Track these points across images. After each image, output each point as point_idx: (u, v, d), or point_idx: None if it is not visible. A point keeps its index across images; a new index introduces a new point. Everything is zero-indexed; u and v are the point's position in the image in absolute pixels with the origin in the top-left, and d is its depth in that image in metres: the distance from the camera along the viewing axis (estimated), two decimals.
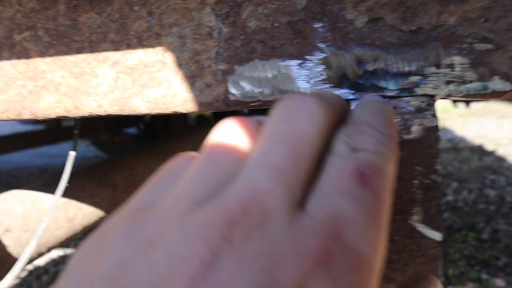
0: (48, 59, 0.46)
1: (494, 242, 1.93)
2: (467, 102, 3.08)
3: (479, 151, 3.92)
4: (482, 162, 3.47)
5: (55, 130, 3.25)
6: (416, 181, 0.38)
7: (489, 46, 0.39)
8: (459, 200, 2.55)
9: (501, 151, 3.84)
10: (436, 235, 0.38)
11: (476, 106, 6.61)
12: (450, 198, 2.58)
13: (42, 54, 0.46)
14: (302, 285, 0.17)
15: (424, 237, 0.38)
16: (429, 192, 0.38)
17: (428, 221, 0.38)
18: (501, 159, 3.55)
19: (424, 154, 0.38)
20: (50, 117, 0.48)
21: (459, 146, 4.20)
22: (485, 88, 0.40)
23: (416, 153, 0.38)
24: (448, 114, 6.06)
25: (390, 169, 0.24)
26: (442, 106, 6.28)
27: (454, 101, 2.97)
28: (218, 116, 3.92)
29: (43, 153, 5.31)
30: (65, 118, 0.50)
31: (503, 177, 3.00)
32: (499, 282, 1.58)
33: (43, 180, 1.02)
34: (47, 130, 3.22)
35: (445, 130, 5.13)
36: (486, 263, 1.77)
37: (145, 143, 3.24)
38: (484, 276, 1.66)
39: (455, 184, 2.90)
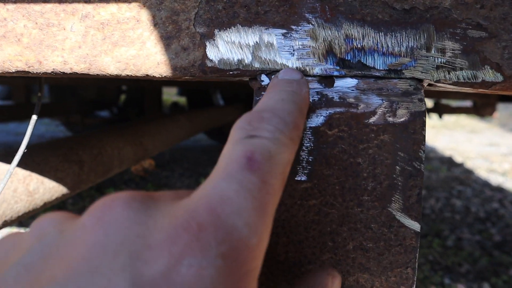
0: (10, 6, 0.42)
1: (457, 250, 1.97)
2: (440, 114, 3.13)
3: (449, 162, 4.01)
4: (451, 173, 3.54)
5: (25, 106, 3.12)
6: (398, 167, 0.36)
7: (483, 33, 0.38)
8: (427, 208, 2.59)
9: (469, 164, 3.93)
10: (415, 225, 0.36)
11: (448, 119, 6.77)
12: None
13: (3, 0, 0.42)
14: (175, 254, 0.18)
15: (402, 226, 0.36)
16: (410, 179, 0.36)
17: (407, 210, 0.36)
18: (468, 172, 3.64)
19: (409, 139, 0.36)
20: (9, 71, 0.44)
21: (430, 156, 4.28)
22: (475, 77, 0.38)
23: (400, 137, 0.36)
24: None
25: (285, 157, 0.25)
26: None
27: (428, 112, 3.01)
28: (193, 105, 3.87)
29: (10, 130, 5.12)
30: (27, 75, 0.45)
31: (469, 189, 3.07)
32: (461, 287, 1.61)
33: (2, 151, 0.96)
34: (16, 106, 3.09)
35: None
36: (449, 269, 1.79)
37: None
38: (447, 281, 1.69)
39: (423, 192, 2.94)
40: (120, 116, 4.09)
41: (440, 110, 2.95)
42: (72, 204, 2.55)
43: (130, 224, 0.19)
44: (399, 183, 0.36)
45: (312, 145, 0.36)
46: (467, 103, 3.33)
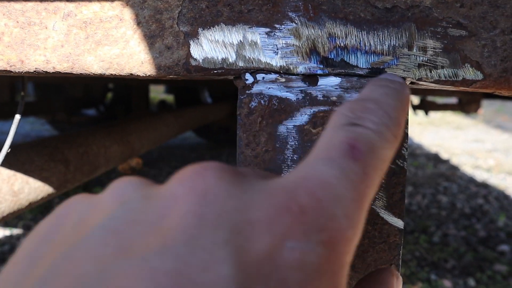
0: None
1: (443, 246, 2.00)
2: (426, 111, 3.17)
3: (435, 159, 4.05)
4: (437, 170, 3.58)
5: (8, 105, 3.07)
6: None
7: (462, 32, 0.38)
8: (413, 204, 2.62)
9: (454, 160, 3.99)
10: (399, 223, 0.36)
11: (434, 116, 6.85)
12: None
13: None
14: (277, 235, 0.17)
15: (386, 223, 0.36)
16: (394, 177, 0.37)
17: (391, 207, 0.36)
18: (454, 168, 3.69)
19: None
20: None
21: (416, 153, 4.33)
22: (456, 75, 0.39)
23: None
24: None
25: (387, 153, 0.22)
26: None
27: (414, 109, 3.05)
28: (180, 103, 3.85)
29: None
30: (8, 74, 0.45)
31: (455, 185, 3.11)
32: (447, 283, 1.63)
33: None
34: None
35: None
36: (435, 265, 1.82)
37: None
38: (433, 277, 1.71)
39: (410, 188, 2.97)
40: (107, 114, 4.05)
41: (426, 107, 2.98)
42: (58, 203, 2.53)
43: (227, 196, 0.18)
44: (383, 181, 0.37)
45: (296, 143, 0.37)
46: (453, 100, 3.38)
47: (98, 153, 1.19)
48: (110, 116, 3.99)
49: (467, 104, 2.82)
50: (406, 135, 0.37)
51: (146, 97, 3.29)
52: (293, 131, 0.37)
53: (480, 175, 3.45)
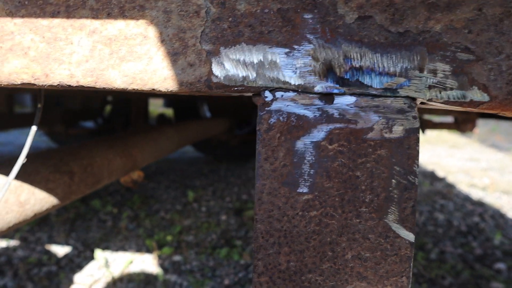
0: (18, 20, 0.43)
1: (441, 263, 2.00)
2: (423, 129, 3.20)
3: (431, 176, 4.08)
4: (433, 187, 3.60)
5: (7, 116, 3.07)
6: (394, 181, 0.38)
7: (470, 56, 0.40)
8: None
9: (451, 178, 4.01)
10: (410, 236, 0.38)
11: (430, 134, 6.90)
12: None
13: (11, 14, 0.43)
14: None
15: (398, 236, 0.38)
16: (405, 192, 0.38)
17: (402, 221, 0.38)
18: (450, 186, 3.71)
19: (404, 154, 0.38)
20: (15, 83, 0.45)
21: None
22: (464, 96, 0.41)
23: (395, 152, 0.38)
24: None
25: None
26: None
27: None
28: (179, 117, 3.87)
29: None
30: (31, 87, 0.46)
31: (451, 203, 3.13)
32: None
33: None
34: None
35: None
36: (432, 282, 1.82)
37: None
38: None
39: None
40: (106, 127, 4.05)
41: (423, 125, 3.01)
42: (56, 215, 2.52)
43: None
44: (395, 196, 0.38)
45: (313, 158, 0.38)
46: (449, 119, 3.41)
47: (102, 165, 1.20)
48: (108, 128, 3.99)
49: (463, 123, 2.85)
50: (417, 152, 0.39)
51: (145, 110, 3.30)
52: (310, 146, 0.38)
53: (475, 194, 3.47)
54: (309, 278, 0.38)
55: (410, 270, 0.37)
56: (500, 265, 2.03)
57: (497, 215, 2.86)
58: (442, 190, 3.52)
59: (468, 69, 0.40)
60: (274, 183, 0.38)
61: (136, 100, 3.18)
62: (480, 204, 3.14)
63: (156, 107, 6.01)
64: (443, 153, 5.47)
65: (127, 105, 3.83)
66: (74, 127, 4.12)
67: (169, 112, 4.43)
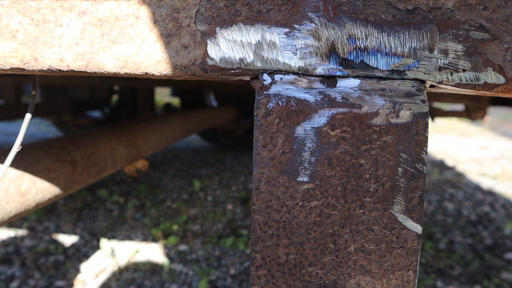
0: (5, 1, 0.41)
1: (450, 253, 1.98)
2: (432, 118, 3.15)
3: (440, 165, 4.03)
4: (442, 176, 3.56)
5: (14, 106, 3.08)
6: (400, 169, 0.36)
7: (485, 35, 0.38)
8: None
9: (460, 167, 3.96)
10: (417, 228, 0.35)
11: (439, 122, 6.82)
12: None
13: None
14: None
15: (404, 228, 0.35)
16: (413, 181, 0.36)
17: (409, 212, 0.35)
18: (460, 175, 3.66)
19: (411, 140, 0.36)
20: (4, 68, 0.43)
21: None
22: (478, 79, 0.38)
23: (402, 139, 0.36)
24: None
25: None
26: None
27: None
28: (186, 106, 3.85)
29: (0, 130, 5.07)
30: (21, 72, 0.44)
31: (461, 192, 3.09)
32: None
33: None
34: (5, 106, 3.05)
35: None
36: (441, 272, 1.80)
37: None
38: (439, 284, 1.70)
39: None
40: (112, 116, 4.06)
41: (432, 113, 2.97)
42: (63, 205, 2.53)
43: None
44: (402, 185, 0.36)
45: (314, 145, 0.36)
46: (459, 107, 3.36)
47: (105, 154, 1.19)
48: (115, 118, 4.00)
49: (473, 111, 2.80)
50: (426, 139, 0.36)
51: (152, 99, 3.29)
52: (311, 133, 0.36)
53: (486, 183, 3.43)
54: (310, 272, 0.35)
55: (417, 264, 0.35)
56: (511, 255, 1.99)
57: (508, 205, 2.82)
58: (451, 179, 3.48)
59: (483, 49, 0.38)
60: (273, 172, 0.35)
61: (143, 89, 3.16)
62: (490, 193, 3.10)
63: (163, 96, 6.00)
64: (453, 142, 5.40)
65: (133, 95, 3.82)
66: (82, 117, 4.13)
67: (175, 101, 4.42)
